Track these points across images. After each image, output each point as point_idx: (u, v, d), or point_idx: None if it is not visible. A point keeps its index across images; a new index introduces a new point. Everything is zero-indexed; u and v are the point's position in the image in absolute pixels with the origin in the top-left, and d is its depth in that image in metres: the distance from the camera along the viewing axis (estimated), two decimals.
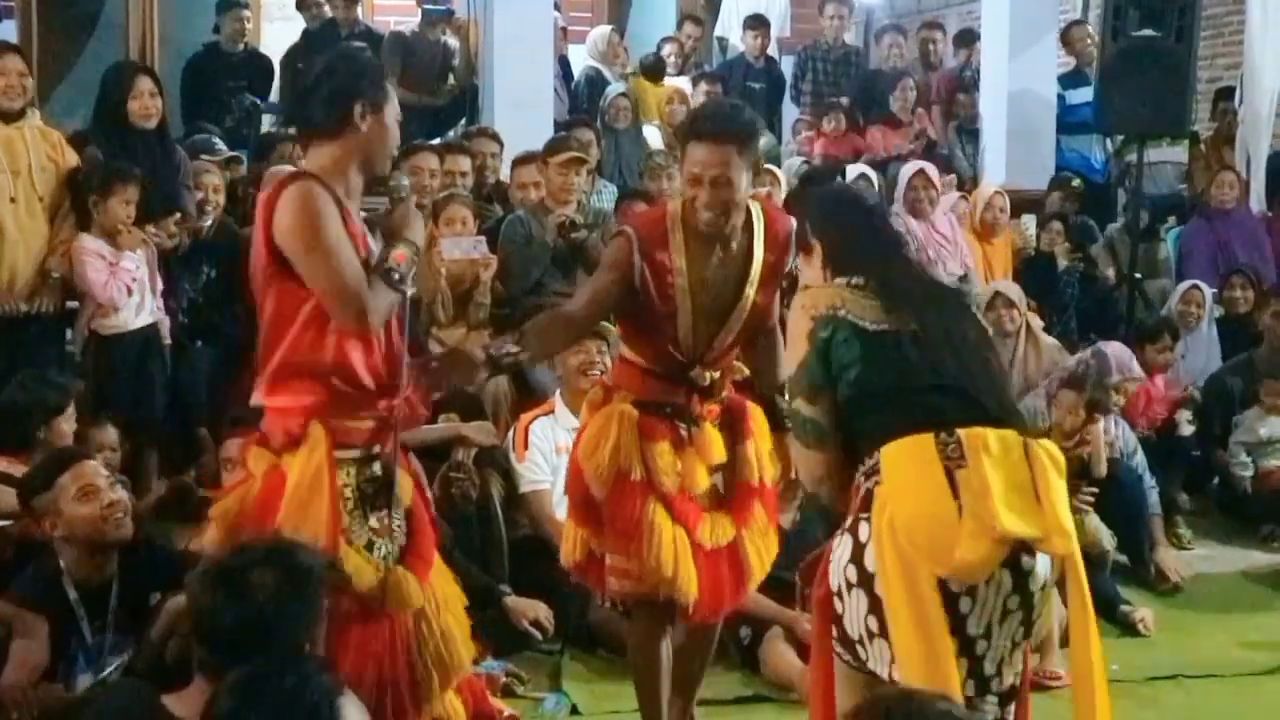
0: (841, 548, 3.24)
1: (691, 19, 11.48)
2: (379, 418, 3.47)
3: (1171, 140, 9.10)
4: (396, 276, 3.42)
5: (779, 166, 8.48)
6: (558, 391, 5.69)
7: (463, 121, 9.02)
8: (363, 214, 3.58)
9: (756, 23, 10.69)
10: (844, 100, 10.09)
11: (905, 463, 3.15)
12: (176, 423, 6.06)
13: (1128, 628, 5.69)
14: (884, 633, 3.13)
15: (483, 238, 6.57)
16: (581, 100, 9.88)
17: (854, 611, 3.20)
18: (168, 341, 6.08)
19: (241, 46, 9.19)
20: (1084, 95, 9.25)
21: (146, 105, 6.34)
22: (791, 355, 3.33)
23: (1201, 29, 8.42)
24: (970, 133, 9.63)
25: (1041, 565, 3.17)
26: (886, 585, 3.12)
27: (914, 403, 3.20)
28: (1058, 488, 3.16)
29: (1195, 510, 7.06)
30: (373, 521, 3.48)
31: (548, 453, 5.53)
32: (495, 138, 7.78)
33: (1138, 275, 8.10)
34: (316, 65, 3.53)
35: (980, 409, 3.19)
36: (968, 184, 8.82)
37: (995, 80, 9.28)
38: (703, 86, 9.69)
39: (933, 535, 3.08)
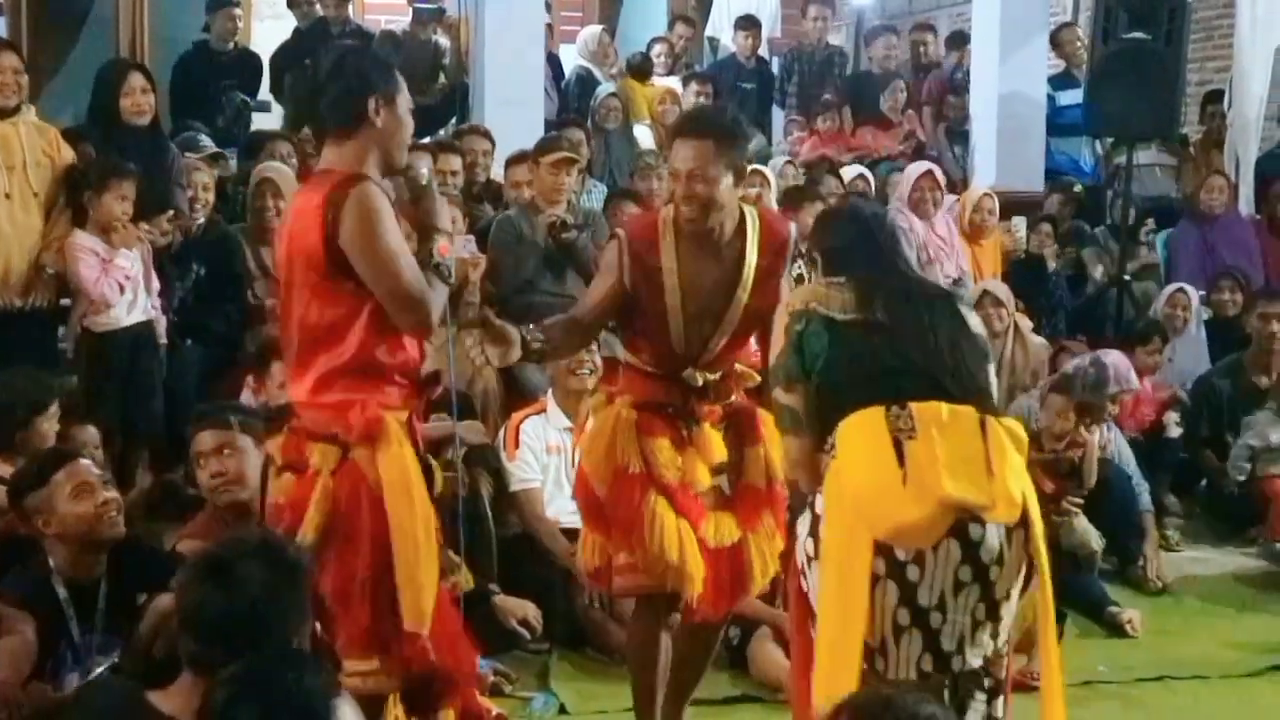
0: (803, 524, 3.38)
1: (682, 19, 11.48)
2: (413, 411, 3.55)
3: (1161, 143, 9.12)
4: (446, 271, 3.46)
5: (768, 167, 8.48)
6: (549, 391, 5.69)
7: (453, 120, 9.01)
8: None
9: (747, 23, 10.69)
10: (829, 99, 10.10)
11: (856, 434, 3.27)
12: (165, 421, 6.04)
13: (1115, 629, 5.71)
14: None
15: (471, 237, 6.57)
16: (572, 100, 9.87)
17: (816, 586, 3.28)
18: (163, 340, 6.06)
19: (231, 45, 9.16)
20: (1073, 97, 9.26)
21: (139, 102, 6.34)
22: (775, 349, 3.45)
23: (1191, 32, 8.44)
24: (959, 134, 9.64)
25: (992, 535, 3.20)
26: (824, 548, 3.26)
27: (874, 383, 3.30)
28: (1013, 462, 3.22)
29: (1183, 512, 7.08)
30: None
31: (539, 451, 5.54)
32: (486, 135, 7.78)
33: (1127, 277, 8.12)
34: (325, 63, 3.53)
35: (941, 389, 3.26)
36: (957, 185, 8.83)
37: (985, 82, 9.29)
38: (693, 87, 9.69)
39: (875, 501, 3.19)
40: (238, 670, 2.60)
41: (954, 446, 3.19)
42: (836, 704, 2.52)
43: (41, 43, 8.67)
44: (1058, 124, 9.30)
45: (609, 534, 4.06)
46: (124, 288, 5.80)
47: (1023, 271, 7.98)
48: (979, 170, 9.19)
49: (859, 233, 3.58)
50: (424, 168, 3.66)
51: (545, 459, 5.54)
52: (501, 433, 5.66)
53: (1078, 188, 9.12)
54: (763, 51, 10.85)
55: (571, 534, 5.31)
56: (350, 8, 9.70)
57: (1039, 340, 7.19)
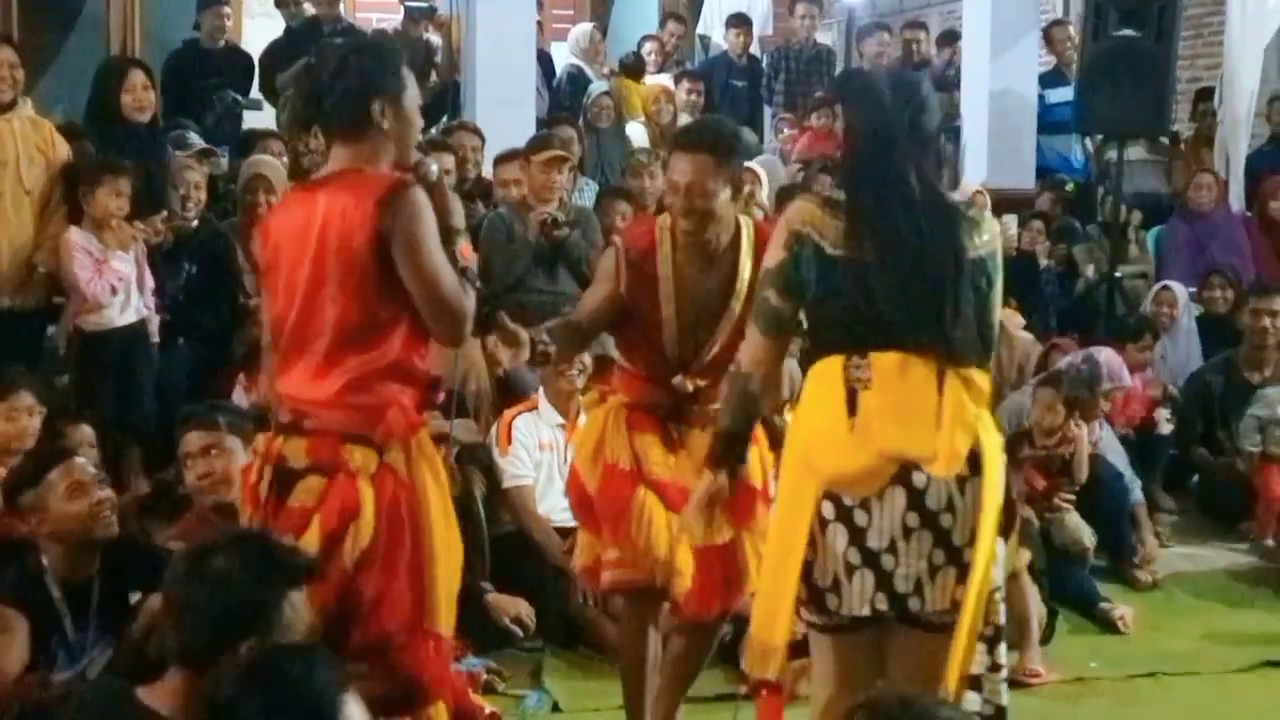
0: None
1: (674, 17, 11.48)
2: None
3: (1151, 140, 9.14)
4: (472, 276, 3.45)
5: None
6: (540, 389, 5.70)
7: (445, 119, 9.01)
8: None
9: (739, 21, 10.70)
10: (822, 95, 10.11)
11: (815, 383, 3.34)
12: (158, 420, 6.04)
13: (1107, 625, 5.72)
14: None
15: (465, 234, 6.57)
16: (563, 98, 9.87)
17: None
18: (156, 339, 6.05)
19: (222, 43, 9.15)
20: (1064, 95, 9.28)
21: (140, 98, 6.33)
22: (770, 255, 3.41)
23: (1181, 29, 8.46)
24: (950, 131, 9.64)
25: (938, 485, 3.22)
26: (777, 492, 3.38)
27: (846, 329, 3.31)
28: (965, 416, 3.23)
29: (1174, 508, 7.09)
30: None
31: (531, 448, 5.55)
32: (476, 131, 7.78)
33: (1118, 274, 8.13)
34: (328, 63, 3.46)
35: (910, 338, 3.25)
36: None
37: (976, 80, 9.30)
38: (685, 85, 9.69)
39: (821, 449, 3.27)
40: (246, 663, 2.62)
41: (905, 398, 3.22)
42: (853, 704, 2.55)
43: (33, 40, 8.64)
44: (1048, 121, 9.32)
45: (599, 531, 4.09)
46: (116, 289, 5.78)
47: (1014, 269, 7.96)
48: (970, 168, 9.20)
49: (875, 139, 3.41)
50: (433, 165, 3.63)
51: (538, 456, 5.55)
52: (493, 430, 5.66)
53: (1069, 185, 9.15)
54: (754, 49, 10.85)
55: (564, 531, 5.32)
56: (341, 6, 9.69)
57: (1026, 336, 7.20)
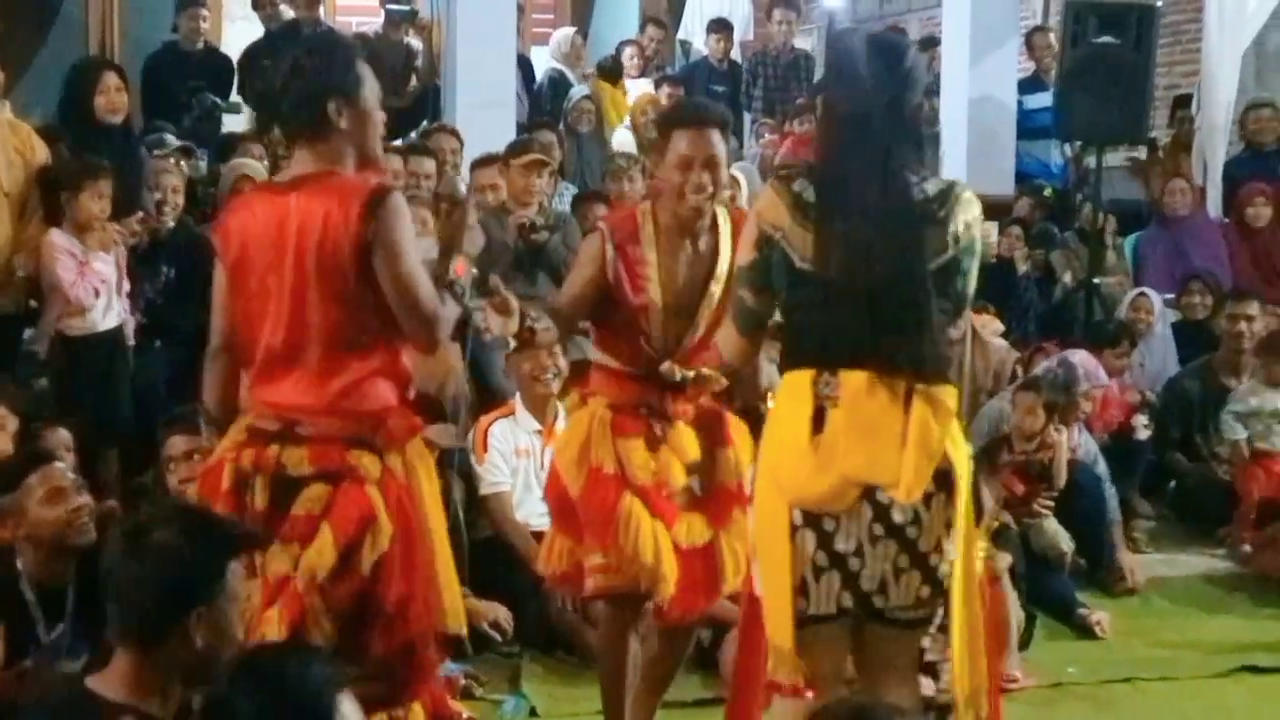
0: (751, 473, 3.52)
1: (654, 22, 11.51)
2: None
3: (1130, 146, 9.17)
4: (460, 290, 3.45)
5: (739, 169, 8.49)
6: (517, 394, 5.69)
7: (425, 122, 9.01)
8: None
9: (719, 26, 10.72)
10: (804, 101, 10.13)
11: (786, 395, 3.36)
12: (135, 424, 6.01)
13: (1085, 630, 5.74)
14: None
15: None
16: (544, 102, 9.88)
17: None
18: (131, 343, 6.03)
19: (200, 45, 9.14)
20: (1042, 101, 9.30)
21: (113, 100, 6.31)
22: (742, 252, 3.42)
23: (1160, 36, 8.49)
24: (929, 137, 9.65)
25: (901, 503, 3.25)
26: (754, 500, 3.39)
27: (815, 343, 3.32)
28: (932, 438, 3.23)
29: (1151, 514, 7.11)
30: None
31: (507, 454, 5.54)
32: (455, 134, 7.78)
33: (1096, 280, 8.16)
34: (283, 64, 3.43)
35: (879, 355, 3.25)
36: None
37: (955, 86, 9.31)
38: (665, 90, 9.70)
39: (786, 468, 3.29)
40: (241, 661, 2.62)
41: (871, 419, 3.23)
42: (810, 714, 2.56)
43: (11, 42, 8.61)
44: (1026, 127, 9.34)
45: (579, 537, 4.06)
46: (99, 291, 5.75)
47: (993, 275, 8.01)
48: (949, 173, 9.20)
49: (851, 121, 3.35)
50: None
51: (514, 462, 5.54)
52: (470, 436, 5.65)
53: (1048, 191, 9.17)
54: (735, 55, 10.87)
55: (542, 537, 5.31)
56: (321, 9, 9.67)
57: (1000, 343, 7.21)
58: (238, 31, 10.90)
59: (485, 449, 5.54)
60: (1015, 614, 5.34)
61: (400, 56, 9.26)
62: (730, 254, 4.00)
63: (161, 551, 2.81)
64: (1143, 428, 6.98)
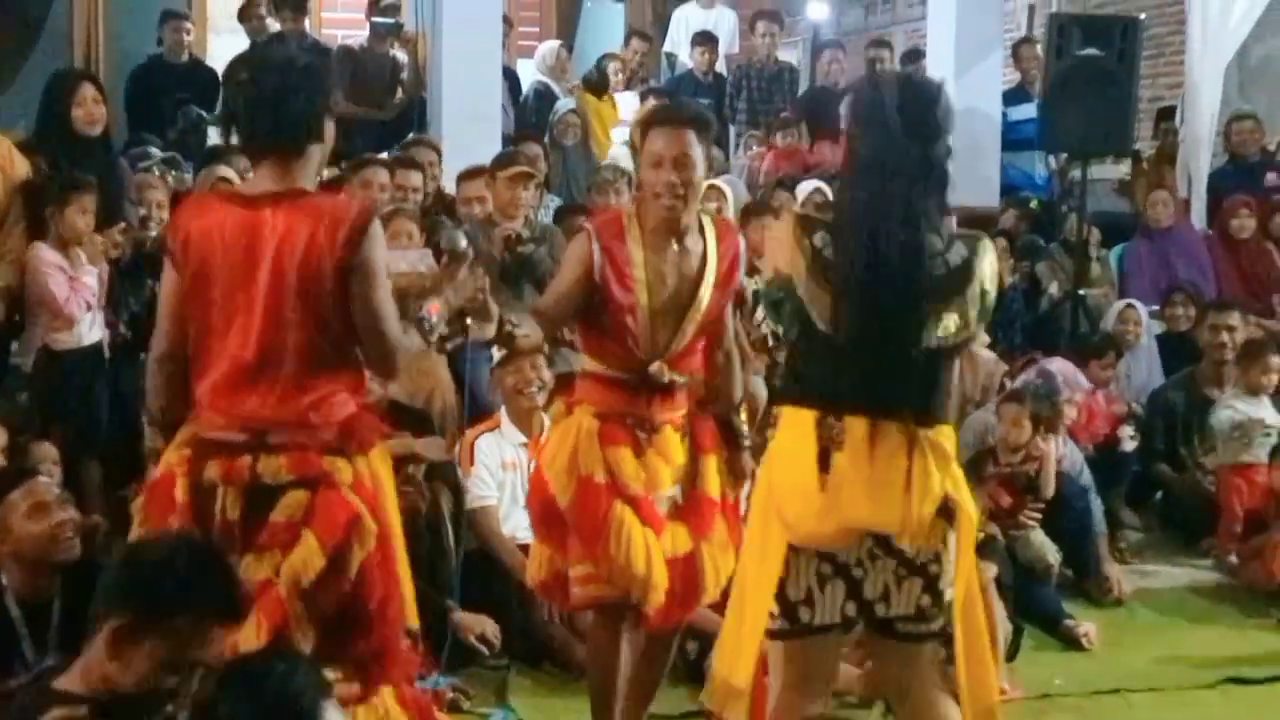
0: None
1: (639, 35, 11.51)
2: None
3: (1115, 160, 9.19)
4: (427, 327, 3.53)
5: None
6: (503, 408, 5.68)
7: (410, 135, 9.00)
8: None
9: (704, 39, 10.73)
10: (788, 115, 10.15)
11: (790, 431, 3.41)
12: (117, 436, 5.99)
13: (1071, 641, 5.74)
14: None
15: (428, 251, 6.52)
16: (530, 114, 9.88)
17: None
18: (108, 355, 6.01)
19: (185, 58, 9.13)
20: (1027, 112, 9.33)
21: (91, 112, 6.29)
22: (775, 259, 3.46)
23: (1143, 49, 8.52)
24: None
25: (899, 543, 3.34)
26: (748, 521, 3.52)
27: (822, 388, 3.37)
28: (933, 483, 3.28)
29: (1138, 525, 7.13)
30: None
31: (494, 468, 5.53)
32: (433, 146, 7.78)
33: (1081, 291, 8.17)
34: (269, 80, 3.43)
35: (882, 409, 3.30)
36: None
37: None
38: (650, 102, 9.69)
39: (791, 508, 3.35)
40: (228, 666, 2.63)
41: (875, 467, 3.28)
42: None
43: None
44: (1011, 139, 9.38)
45: (563, 546, 4.05)
46: (90, 305, 5.74)
47: None
48: None
49: (877, 173, 3.35)
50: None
51: (500, 475, 5.53)
52: (456, 449, 5.64)
53: (1033, 203, 9.19)
54: (720, 67, 10.89)
55: (529, 550, 5.30)
56: (307, 21, 9.67)
57: (988, 355, 7.21)
58: (223, 44, 10.88)
59: (472, 463, 5.53)
60: (1002, 625, 5.33)
61: (386, 69, 9.27)
62: (717, 262, 4.04)
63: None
64: (1128, 439, 6.99)
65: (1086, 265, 8.44)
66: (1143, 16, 8.61)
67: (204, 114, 8.77)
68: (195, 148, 8.27)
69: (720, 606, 4.64)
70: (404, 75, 9.30)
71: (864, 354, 3.31)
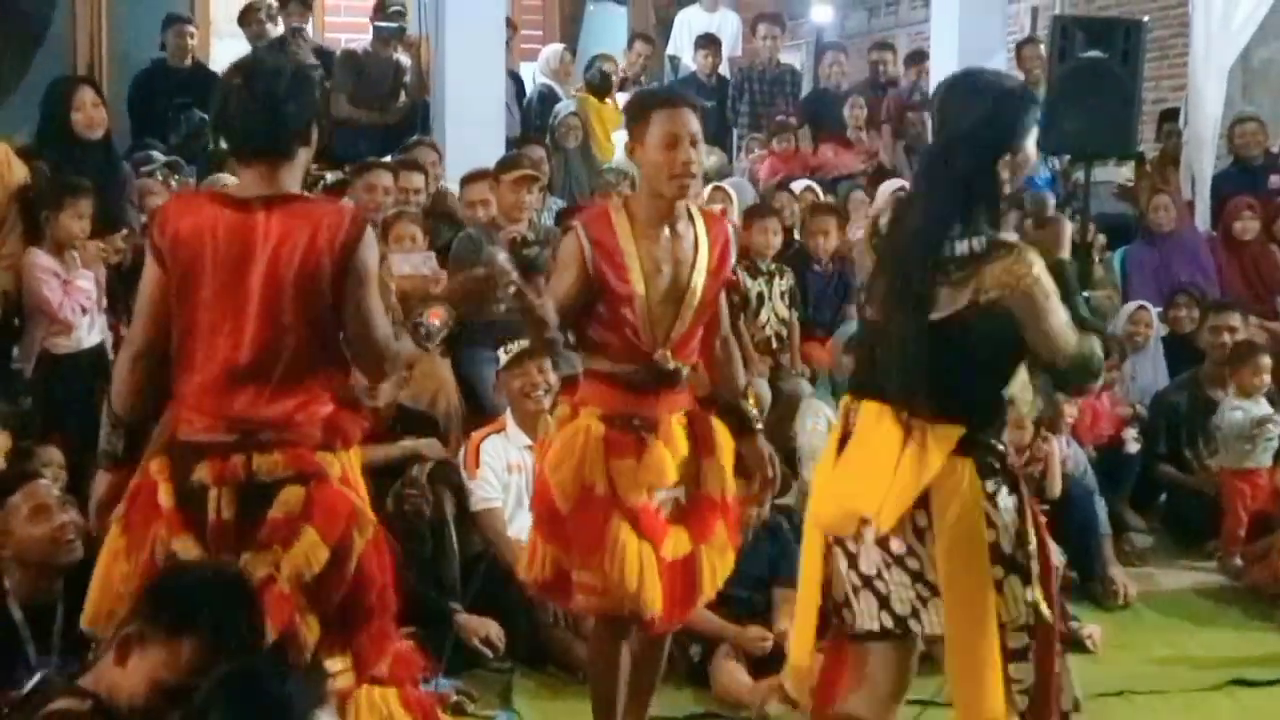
0: None
1: (642, 37, 11.51)
2: None
3: (1119, 161, 9.18)
4: (424, 332, 3.53)
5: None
6: (508, 410, 5.68)
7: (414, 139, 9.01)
8: None
9: (707, 42, 10.74)
10: (792, 119, 10.16)
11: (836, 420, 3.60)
12: None
13: (1076, 644, 5.72)
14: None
15: (432, 254, 6.54)
16: (534, 117, 9.89)
17: None
18: (112, 358, 6.00)
19: (188, 62, 9.14)
20: None
21: (90, 116, 6.30)
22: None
23: (1147, 51, 8.51)
24: (919, 152, 9.67)
25: (895, 532, 3.35)
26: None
27: (858, 372, 3.62)
28: (914, 473, 3.29)
29: (1142, 527, 7.12)
30: None
31: (499, 470, 5.52)
32: (433, 146, 7.79)
33: (1086, 294, 8.15)
34: (260, 86, 3.44)
35: (886, 392, 3.37)
36: None
37: None
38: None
39: (815, 489, 3.58)
40: (221, 675, 2.63)
41: (871, 451, 3.36)
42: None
43: None
44: None
45: (566, 547, 4.03)
46: (86, 308, 5.74)
47: None
48: None
49: (920, 172, 3.60)
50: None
51: (506, 478, 5.52)
52: (462, 452, 5.64)
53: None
54: (724, 70, 10.89)
55: None
56: (310, 25, 9.68)
57: None
58: (225, 49, 10.89)
59: (477, 465, 5.52)
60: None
61: (389, 73, 9.27)
62: (708, 250, 4.05)
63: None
64: (1132, 441, 6.98)
65: (1090, 268, 8.43)
66: (1146, 19, 8.57)
67: (206, 118, 8.77)
68: (198, 152, 8.28)
69: (716, 606, 4.67)
70: (407, 79, 9.31)
71: (879, 328, 3.41)
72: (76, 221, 5.73)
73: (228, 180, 6.55)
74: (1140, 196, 9.37)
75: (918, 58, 10.69)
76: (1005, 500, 3.35)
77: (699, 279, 4.02)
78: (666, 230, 4.01)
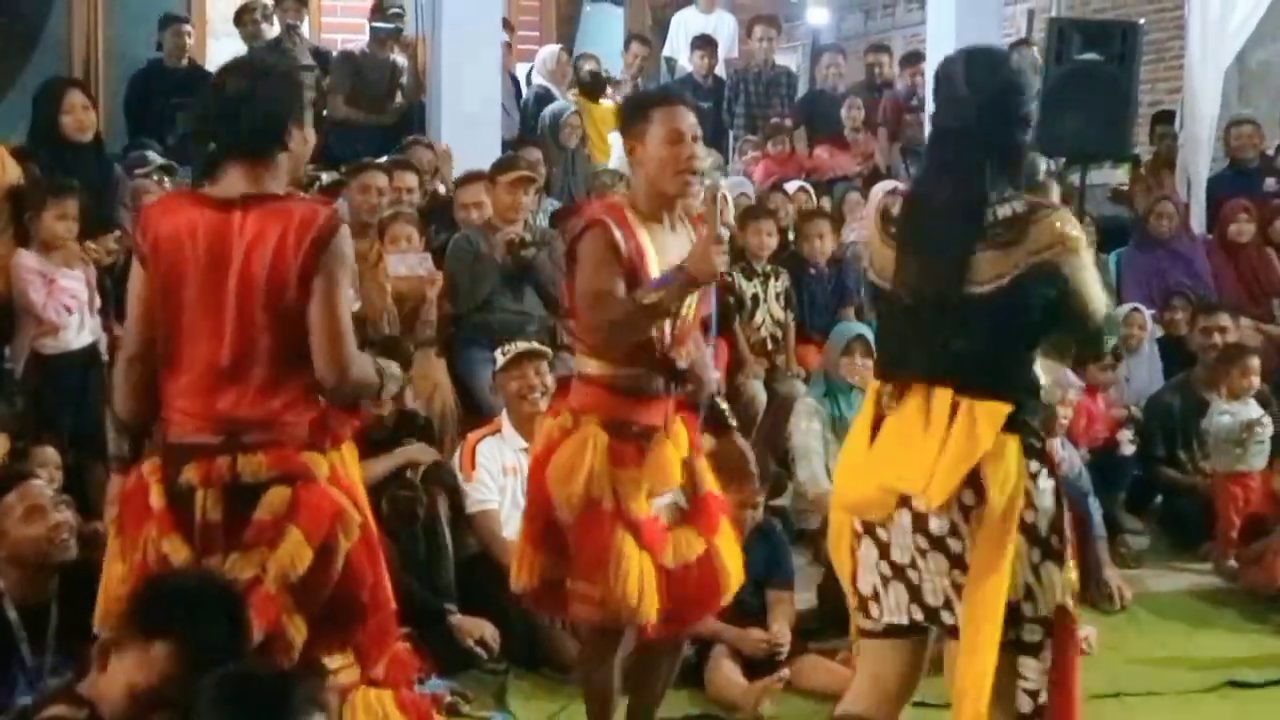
0: None
1: (639, 39, 11.52)
2: None
3: (1114, 163, 9.19)
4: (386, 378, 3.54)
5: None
6: (504, 411, 5.68)
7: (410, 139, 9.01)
8: None
9: (703, 43, 10.74)
10: (787, 121, 10.17)
11: (865, 403, 3.54)
12: None
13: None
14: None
15: (428, 255, 6.57)
16: (531, 118, 9.89)
17: None
18: (106, 358, 5.99)
19: (184, 62, 9.14)
20: None
21: (80, 119, 6.30)
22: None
23: (1143, 53, 8.52)
24: (916, 154, 9.69)
25: (938, 512, 3.30)
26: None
27: (887, 354, 3.53)
28: (967, 449, 3.26)
29: (1137, 529, 7.12)
30: None
31: (495, 473, 5.53)
32: (430, 147, 7.79)
33: None
34: (238, 86, 3.47)
35: (926, 371, 3.34)
36: None
37: None
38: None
39: (843, 474, 3.54)
40: (218, 680, 2.63)
41: (915, 429, 3.31)
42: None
43: None
44: None
45: (558, 557, 3.99)
46: (71, 308, 5.72)
47: None
48: None
49: (945, 137, 3.47)
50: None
51: (501, 480, 5.52)
52: (457, 453, 5.64)
53: None
54: (720, 71, 10.89)
55: None
56: (306, 26, 9.67)
57: None
58: (222, 49, 10.87)
59: (473, 467, 5.52)
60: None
61: (385, 74, 9.27)
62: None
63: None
64: (1128, 443, 6.99)
65: None
66: (1142, 21, 8.62)
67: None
68: (194, 152, 8.26)
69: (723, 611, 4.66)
70: (403, 80, 9.31)
71: (911, 305, 3.38)
72: (61, 222, 5.72)
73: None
74: (1135, 199, 9.38)
75: (914, 60, 10.69)
76: (1045, 483, 3.35)
77: None
78: (668, 226, 4.00)
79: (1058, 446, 6.25)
